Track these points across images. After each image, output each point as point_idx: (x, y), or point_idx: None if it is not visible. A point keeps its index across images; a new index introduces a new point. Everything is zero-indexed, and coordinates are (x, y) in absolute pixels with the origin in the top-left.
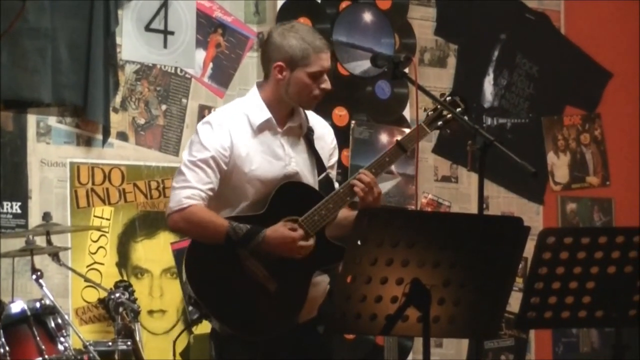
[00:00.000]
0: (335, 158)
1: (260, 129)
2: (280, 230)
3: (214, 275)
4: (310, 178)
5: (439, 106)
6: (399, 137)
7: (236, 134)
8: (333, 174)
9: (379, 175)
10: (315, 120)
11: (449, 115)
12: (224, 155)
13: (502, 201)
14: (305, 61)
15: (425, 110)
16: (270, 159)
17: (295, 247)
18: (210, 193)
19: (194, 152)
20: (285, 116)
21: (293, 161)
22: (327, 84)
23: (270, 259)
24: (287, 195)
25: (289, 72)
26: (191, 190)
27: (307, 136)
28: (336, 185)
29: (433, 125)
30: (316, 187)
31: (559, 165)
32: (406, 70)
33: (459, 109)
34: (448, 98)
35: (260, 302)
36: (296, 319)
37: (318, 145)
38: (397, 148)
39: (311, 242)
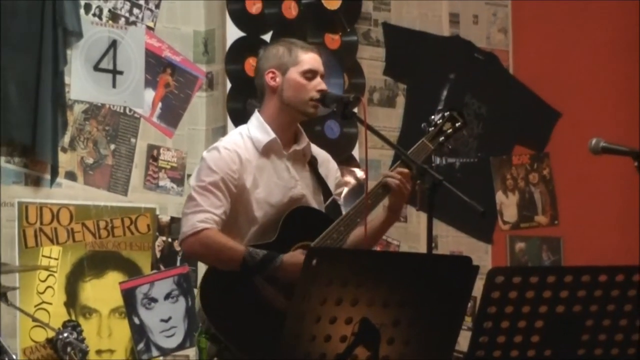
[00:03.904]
0: (341, 189)
1: (265, 151)
2: (297, 256)
3: (231, 305)
4: (315, 203)
5: (438, 121)
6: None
7: (244, 157)
8: (341, 202)
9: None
10: (317, 150)
11: (449, 131)
12: (232, 177)
13: (451, 240)
14: (295, 60)
15: (423, 126)
16: (277, 181)
17: None
18: (223, 217)
19: (202, 176)
20: (290, 140)
21: (299, 184)
22: (323, 86)
23: (287, 286)
24: (297, 221)
25: (282, 76)
26: (204, 214)
27: (312, 163)
28: (343, 210)
29: (435, 141)
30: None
31: (507, 205)
32: (355, 110)
33: (458, 124)
34: (446, 113)
35: (280, 329)
36: None
37: (322, 172)
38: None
39: None
